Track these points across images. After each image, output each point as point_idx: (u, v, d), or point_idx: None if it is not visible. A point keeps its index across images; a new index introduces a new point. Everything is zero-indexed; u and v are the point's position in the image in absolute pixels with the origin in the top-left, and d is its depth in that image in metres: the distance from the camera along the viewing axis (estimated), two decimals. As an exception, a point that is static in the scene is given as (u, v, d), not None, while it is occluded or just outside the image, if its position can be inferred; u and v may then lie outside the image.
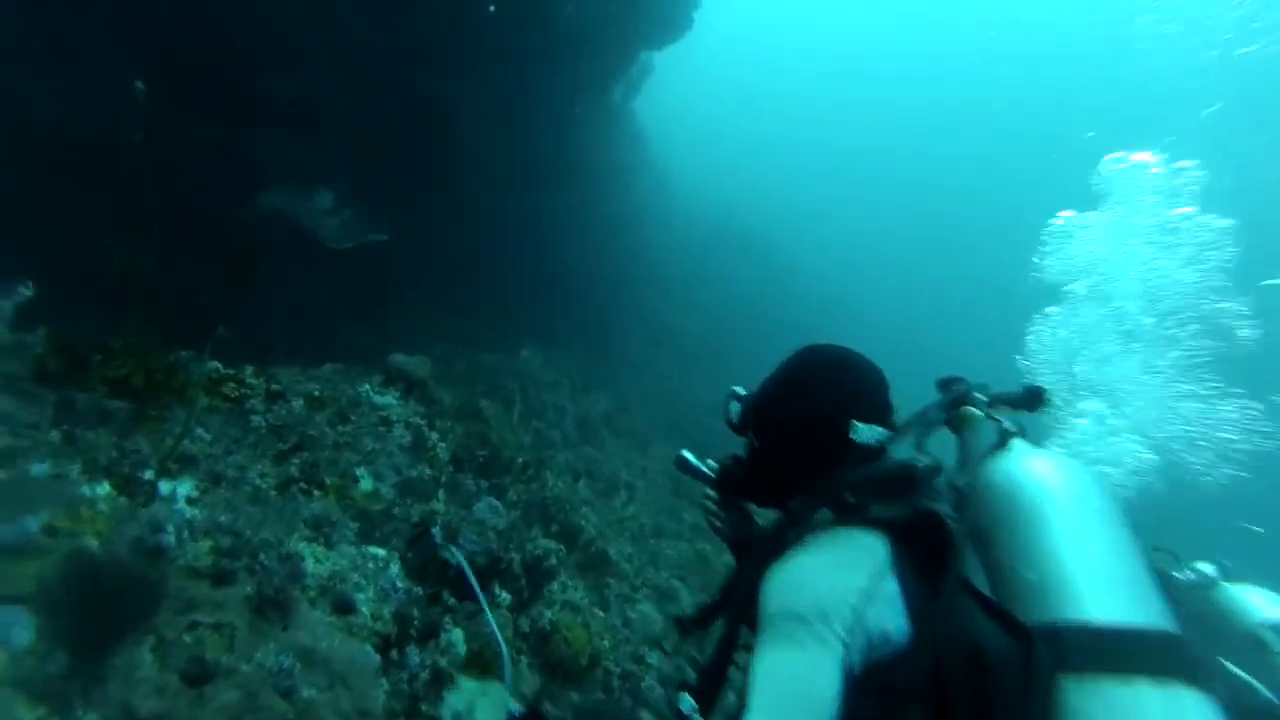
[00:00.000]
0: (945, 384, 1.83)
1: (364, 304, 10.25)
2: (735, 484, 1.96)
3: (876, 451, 1.58)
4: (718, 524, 2.09)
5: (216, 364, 5.16)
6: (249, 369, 5.10)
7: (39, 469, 3.23)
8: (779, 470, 1.72)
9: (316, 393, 5.08)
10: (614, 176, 13.88)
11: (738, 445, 1.91)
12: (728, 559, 9.17)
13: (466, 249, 10.27)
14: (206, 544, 2.80)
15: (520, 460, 6.30)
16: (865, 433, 1.58)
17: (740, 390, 1.84)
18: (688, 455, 2.12)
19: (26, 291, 4.35)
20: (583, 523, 6.72)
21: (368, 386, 5.38)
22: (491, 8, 8.73)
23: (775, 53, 61.32)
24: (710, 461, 2.08)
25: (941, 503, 1.47)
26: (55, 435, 3.45)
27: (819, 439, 1.62)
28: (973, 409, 1.70)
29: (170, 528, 2.71)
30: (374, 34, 8.72)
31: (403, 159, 9.49)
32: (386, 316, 10.12)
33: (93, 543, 2.66)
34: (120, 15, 7.62)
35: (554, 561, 5.05)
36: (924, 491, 1.49)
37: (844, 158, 52.07)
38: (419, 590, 3.34)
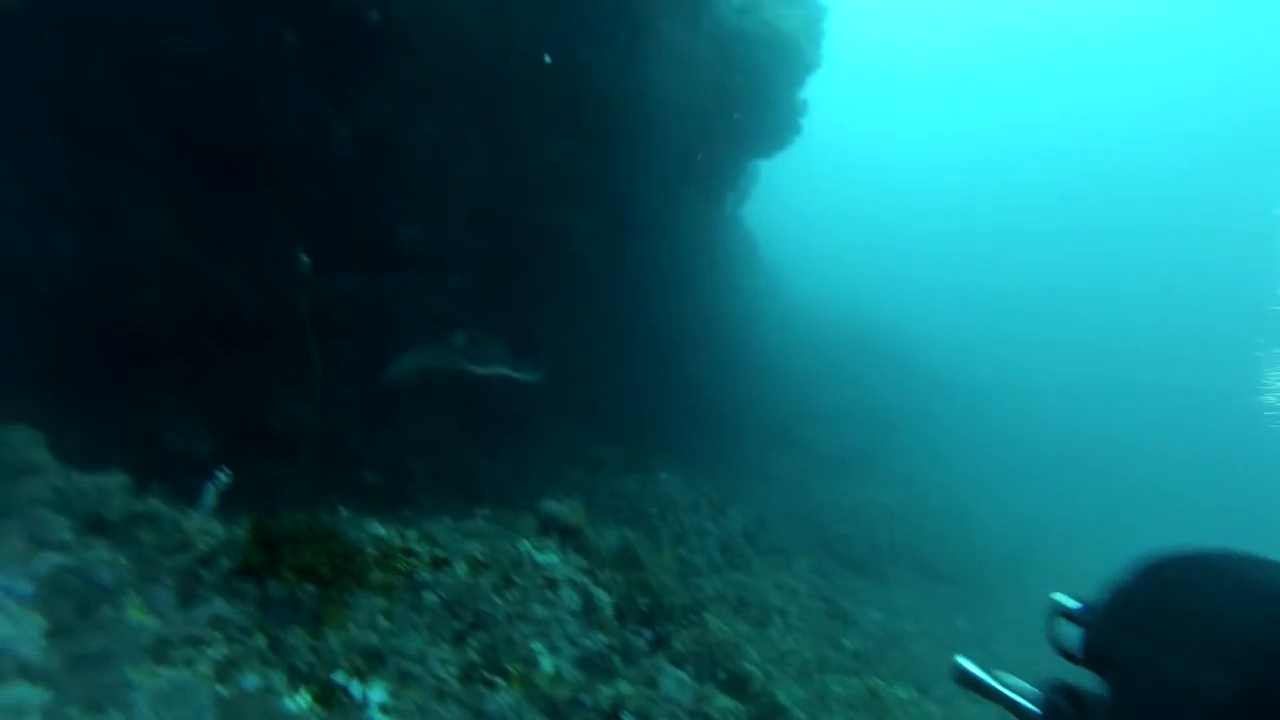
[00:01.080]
0: None
1: (493, 430, 10.48)
2: None
3: None
4: None
5: (379, 528, 5.25)
6: (413, 534, 5.15)
7: (251, 682, 3.26)
8: None
9: (479, 555, 5.04)
10: (729, 286, 13.95)
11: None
12: (901, 694, 8.30)
13: (588, 368, 10.40)
14: (421, 784, 2.65)
15: (681, 604, 6.00)
16: None
17: (1070, 604, 1.32)
18: (971, 668, 1.52)
19: (225, 478, 4.61)
20: (749, 666, 6.29)
21: (527, 544, 5.30)
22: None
23: (882, 141, 62.31)
24: (1016, 681, 1.48)
25: None
26: (261, 640, 3.49)
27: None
28: None
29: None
30: (498, 174, 9.29)
31: (524, 286, 9.86)
32: (517, 443, 10.28)
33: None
34: (284, 192, 8.45)
35: (736, 730, 4.66)
36: None
37: (974, 243, 50.45)
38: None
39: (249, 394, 8.65)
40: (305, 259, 7.68)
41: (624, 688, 3.99)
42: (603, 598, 5.16)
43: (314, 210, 8.69)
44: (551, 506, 5.89)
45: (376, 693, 3.43)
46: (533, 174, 9.09)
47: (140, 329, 7.71)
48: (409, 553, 4.91)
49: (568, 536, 5.88)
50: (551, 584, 4.93)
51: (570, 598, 4.84)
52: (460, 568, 4.92)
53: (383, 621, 4.07)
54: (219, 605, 3.54)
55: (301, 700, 3.29)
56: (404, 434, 9.59)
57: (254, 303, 8.55)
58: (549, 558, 5.26)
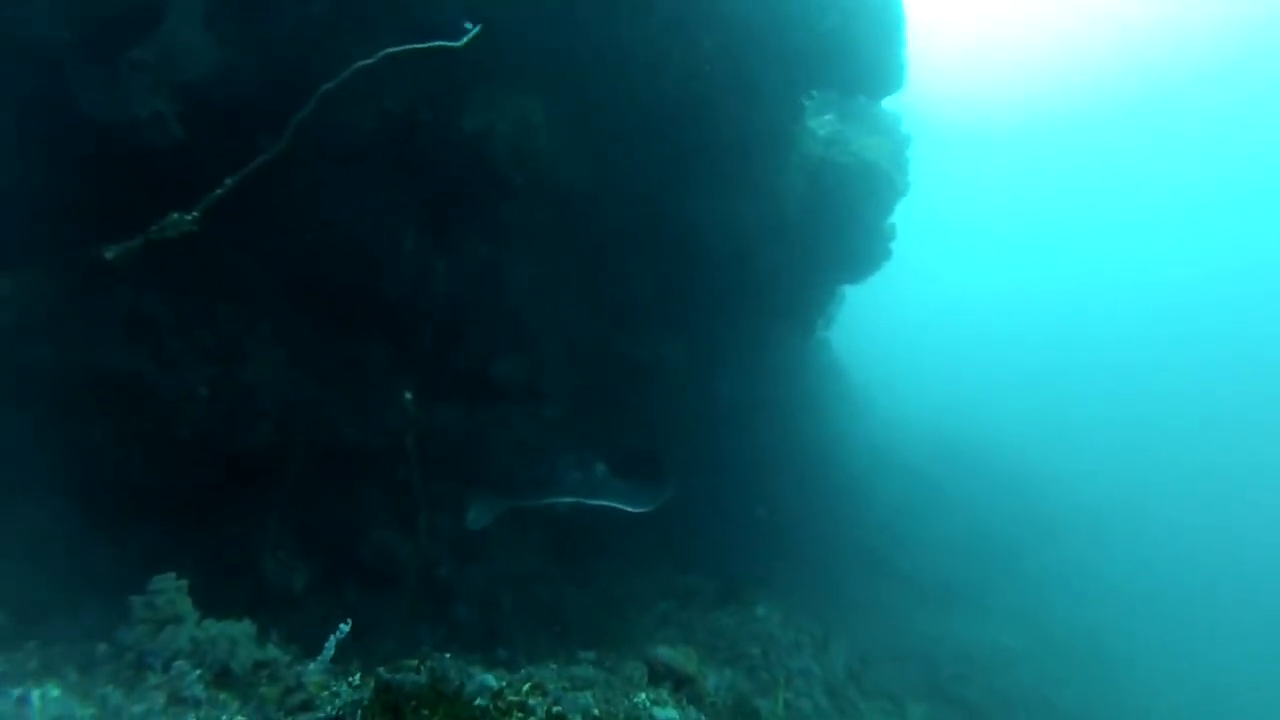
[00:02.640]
0: None
1: (582, 560, 10.23)
2: None
3: None
4: None
5: (489, 678, 5.05)
6: (525, 686, 4.93)
7: None
8: None
9: (595, 711, 4.76)
10: (818, 410, 13.75)
11: None
12: None
13: (678, 496, 10.19)
14: None
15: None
16: None
17: None
18: None
19: (345, 627, 4.56)
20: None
21: (643, 696, 5.00)
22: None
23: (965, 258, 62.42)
24: None
25: None
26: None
27: None
28: None
29: None
30: (592, 307, 9.58)
31: (616, 416, 9.90)
32: (607, 573, 9.98)
33: None
34: (388, 328, 8.88)
35: None
36: None
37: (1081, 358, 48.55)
38: None
39: (346, 525, 8.77)
40: (409, 395, 7.94)
41: None
42: (728, 762, 4.76)
43: (415, 345, 9.08)
44: (663, 653, 5.59)
45: None
46: (626, 306, 9.35)
47: (254, 463, 8.00)
48: (524, 709, 4.68)
49: (681, 686, 5.54)
50: (674, 746, 4.59)
51: (697, 763, 4.48)
52: (576, 724, 4.64)
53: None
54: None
55: None
56: (494, 564, 9.45)
57: (354, 433, 8.80)
58: (668, 713, 4.92)
